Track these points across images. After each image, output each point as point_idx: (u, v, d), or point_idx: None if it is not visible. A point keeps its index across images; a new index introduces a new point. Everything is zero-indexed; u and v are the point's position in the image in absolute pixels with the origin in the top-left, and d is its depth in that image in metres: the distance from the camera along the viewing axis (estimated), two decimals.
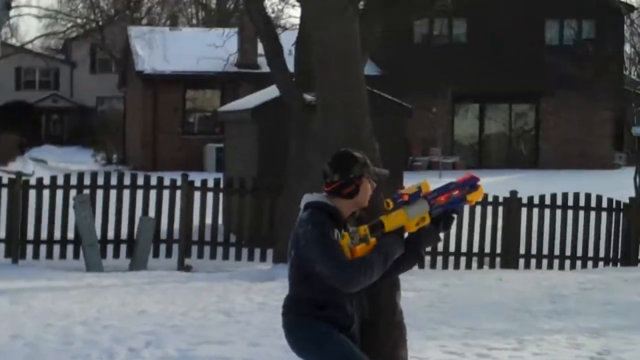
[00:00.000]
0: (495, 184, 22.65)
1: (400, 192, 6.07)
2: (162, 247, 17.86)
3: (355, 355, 6.17)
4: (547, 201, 18.83)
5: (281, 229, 15.26)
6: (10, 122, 43.96)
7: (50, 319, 10.78)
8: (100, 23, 58.12)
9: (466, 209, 16.00)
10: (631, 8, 44.35)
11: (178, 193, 18.06)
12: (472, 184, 6.10)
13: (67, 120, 53.65)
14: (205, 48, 31.52)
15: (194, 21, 67.23)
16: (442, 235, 6.32)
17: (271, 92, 20.41)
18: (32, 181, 18.47)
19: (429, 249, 6.71)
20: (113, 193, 17.99)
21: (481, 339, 10.09)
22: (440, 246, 17.56)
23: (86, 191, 17.84)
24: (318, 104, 7.78)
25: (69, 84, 61.13)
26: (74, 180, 17.97)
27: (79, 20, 61.25)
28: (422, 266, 17.14)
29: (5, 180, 17.72)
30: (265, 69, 20.85)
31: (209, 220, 18.07)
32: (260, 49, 25.17)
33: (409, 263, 6.46)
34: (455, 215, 6.20)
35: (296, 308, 6.30)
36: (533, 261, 18.53)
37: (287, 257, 6.33)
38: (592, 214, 18.86)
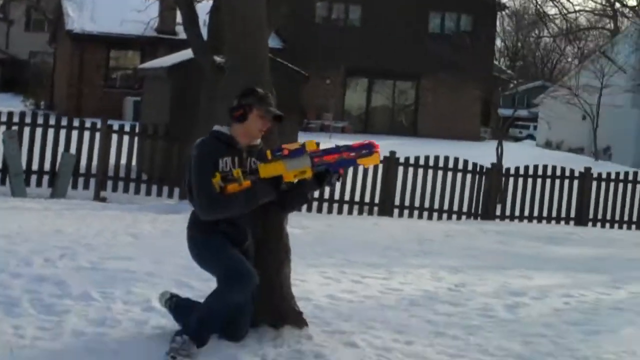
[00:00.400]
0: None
1: (282, 147, 6.08)
2: (81, 180, 17.75)
3: (245, 267, 6.17)
4: (422, 162, 19.10)
5: None
6: None
7: None
8: None
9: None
10: (504, 6, 45.09)
11: (97, 135, 17.92)
12: (369, 150, 6.07)
13: (1, 70, 52.34)
14: (129, 13, 31.06)
15: None
16: (327, 187, 6.35)
17: (186, 54, 20.24)
18: None
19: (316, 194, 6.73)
20: (39, 131, 17.79)
21: (356, 268, 10.14)
22: (326, 194, 17.89)
23: (15, 128, 17.58)
24: (226, 65, 7.74)
25: (4, 39, 59.74)
26: (3, 118, 17.64)
27: None
28: (309, 209, 17.29)
29: None
30: (182, 36, 20.79)
31: (124, 160, 17.93)
32: (178, 17, 25.00)
33: (296, 204, 6.51)
34: (339, 174, 6.20)
35: (197, 224, 6.29)
36: (406, 212, 18.84)
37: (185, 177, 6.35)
38: (459, 175, 19.17)
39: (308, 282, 8.82)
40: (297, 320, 6.94)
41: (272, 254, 6.85)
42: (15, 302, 7.26)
